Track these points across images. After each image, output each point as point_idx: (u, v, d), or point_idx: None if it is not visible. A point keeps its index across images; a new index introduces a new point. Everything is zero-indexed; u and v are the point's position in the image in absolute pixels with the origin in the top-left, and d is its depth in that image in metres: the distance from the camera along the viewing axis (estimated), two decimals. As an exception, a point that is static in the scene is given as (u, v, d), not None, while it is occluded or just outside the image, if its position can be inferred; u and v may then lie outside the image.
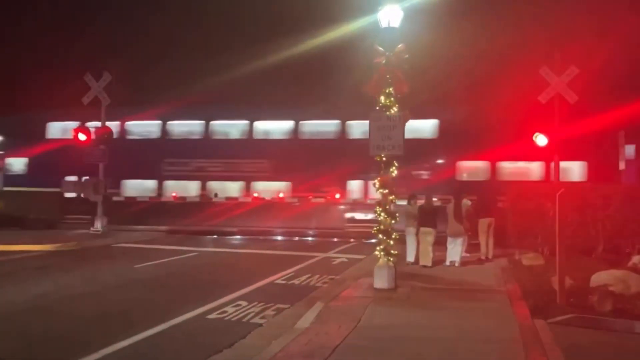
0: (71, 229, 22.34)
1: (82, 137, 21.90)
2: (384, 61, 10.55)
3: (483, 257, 14.85)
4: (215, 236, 22.79)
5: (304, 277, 12.68)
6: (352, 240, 21.25)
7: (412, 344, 7.09)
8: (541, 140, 19.23)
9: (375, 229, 10.73)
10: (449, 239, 13.75)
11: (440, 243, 13.90)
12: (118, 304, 9.78)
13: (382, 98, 10.58)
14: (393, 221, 10.62)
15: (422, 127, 23.69)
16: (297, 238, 22.52)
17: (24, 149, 27.07)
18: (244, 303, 9.63)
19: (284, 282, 12.25)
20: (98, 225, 22.16)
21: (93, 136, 21.81)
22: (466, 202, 14.26)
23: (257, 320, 8.56)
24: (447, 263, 13.65)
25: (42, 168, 25.82)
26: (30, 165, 27.69)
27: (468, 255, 14.91)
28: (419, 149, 19.57)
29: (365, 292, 10.30)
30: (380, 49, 10.60)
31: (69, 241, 18.71)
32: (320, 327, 7.75)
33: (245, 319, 8.62)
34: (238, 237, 22.80)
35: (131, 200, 26.29)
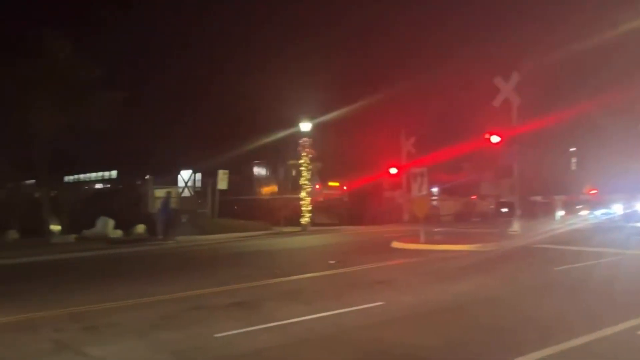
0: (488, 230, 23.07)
1: (495, 139, 22.46)
2: None
3: None
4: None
5: None
6: None
7: None
8: None
9: None
10: None
11: None
12: (535, 308, 9.51)
13: None
14: None
15: None
16: None
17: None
18: (684, 320, 8.16)
19: None
20: (516, 225, 22.33)
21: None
22: None
23: None
24: None
25: None
26: None
27: None
28: None
29: None
30: None
31: (488, 241, 19.32)
32: None
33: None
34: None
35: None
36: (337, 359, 7.16)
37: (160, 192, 28.05)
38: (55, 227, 25.09)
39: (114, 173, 46.95)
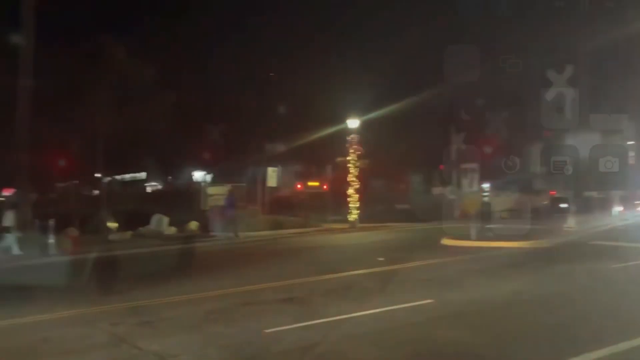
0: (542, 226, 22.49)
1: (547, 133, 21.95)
2: None
3: None
4: None
5: None
6: None
7: None
8: None
9: None
10: None
11: None
12: (590, 307, 9.28)
13: None
14: None
15: None
16: None
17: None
18: None
19: None
20: (571, 221, 21.73)
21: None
22: None
23: None
24: None
25: None
26: None
27: None
28: None
29: None
30: None
31: (541, 238, 18.86)
32: None
33: None
34: None
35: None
36: (386, 355, 7.17)
37: (211, 190, 28.56)
38: (112, 225, 25.88)
39: (143, 174, 47.72)
